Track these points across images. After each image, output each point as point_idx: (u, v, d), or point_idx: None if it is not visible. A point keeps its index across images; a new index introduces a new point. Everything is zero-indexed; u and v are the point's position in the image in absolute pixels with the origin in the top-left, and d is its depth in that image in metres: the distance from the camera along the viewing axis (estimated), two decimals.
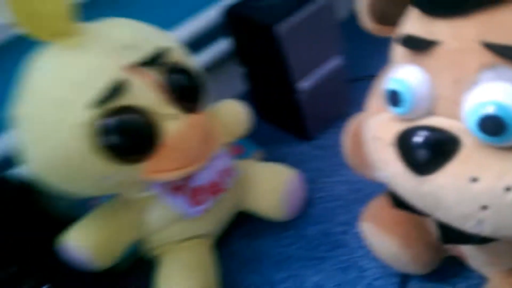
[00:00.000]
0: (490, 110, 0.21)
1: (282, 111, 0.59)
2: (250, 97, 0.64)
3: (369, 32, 0.32)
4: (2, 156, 0.49)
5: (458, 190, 0.23)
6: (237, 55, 0.60)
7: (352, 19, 0.41)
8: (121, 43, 0.33)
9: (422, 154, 0.24)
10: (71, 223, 0.39)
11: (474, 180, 0.22)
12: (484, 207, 0.22)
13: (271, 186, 0.46)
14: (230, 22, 0.57)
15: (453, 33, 0.23)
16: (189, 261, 0.42)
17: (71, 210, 0.48)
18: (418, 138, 0.24)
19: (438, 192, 0.23)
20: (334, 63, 0.56)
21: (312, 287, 0.41)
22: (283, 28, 0.48)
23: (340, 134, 0.38)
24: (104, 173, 0.33)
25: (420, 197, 0.25)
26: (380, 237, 0.36)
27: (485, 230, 0.23)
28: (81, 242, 0.38)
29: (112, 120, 0.31)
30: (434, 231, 0.34)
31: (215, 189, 0.43)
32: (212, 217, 0.45)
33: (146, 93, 0.33)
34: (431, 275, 0.38)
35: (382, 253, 0.37)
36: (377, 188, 0.36)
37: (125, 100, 0.32)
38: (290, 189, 0.46)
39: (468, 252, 0.32)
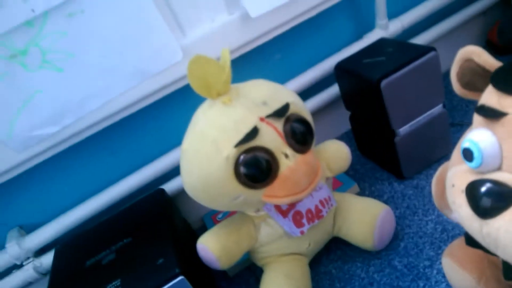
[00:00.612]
0: None
1: (381, 151, 0.66)
2: (353, 136, 0.72)
3: None
4: (164, 171, 0.67)
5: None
6: (343, 100, 0.70)
7: None
8: (258, 101, 0.46)
9: (485, 201, 0.30)
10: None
11: None
12: None
13: (365, 219, 0.54)
14: (339, 73, 0.67)
15: None
16: (288, 271, 0.51)
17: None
18: (483, 189, 0.30)
19: (496, 233, 0.29)
20: (436, 111, 0.61)
21: None
22: (386, 84, 0.55)
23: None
24: (237, 194, 0.46)
25: (482, 236, 0.31)
26: (457, 272, 0.41)
27: None
28: (210, 245, 0.50)
29: (248, 156, 0.43)
30: None
31: (314, 215, 0.52)
32: (310, 239, 0.54)
33: (271, 138, 0.45)
34: None
35: (458, 287, 0.41)
36: (462, 229, 0.41)
37: (257, 142, 0.44)
38: (381, 223, 0.53)
39: None
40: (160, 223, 0.58)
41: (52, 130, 0.57)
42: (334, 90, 0.75)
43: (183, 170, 0.48)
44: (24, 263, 0.65)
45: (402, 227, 0.56)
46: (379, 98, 0.57)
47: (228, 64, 0.45)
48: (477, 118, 0.34)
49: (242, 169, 0.44)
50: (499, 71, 0.33)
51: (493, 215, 0.29)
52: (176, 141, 0.69)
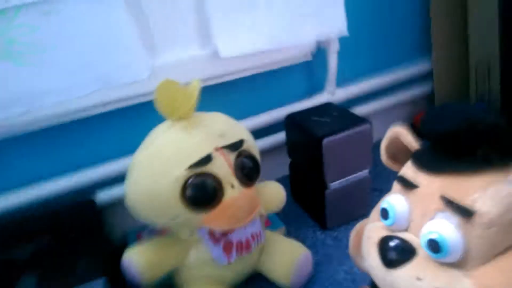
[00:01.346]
0: (433, 236, 0.33)
1: (311, 200, 0.73)
2: (289, 182, 0.78)
3: None
4: (97, 181, 0.67)
5: (408, 284, 0.35)
6: (287, 147, 0.76)
7: None
8: (216, 132, 0.50)
9: (391, 254, 0.36)
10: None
11: (419, 279, 0.34)
12: None
13: (286, 258, 0.58)
14: (288, 123, 0.74)
15: (427, 183, 0.37)
16: None
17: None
18: (392, 244, 0.37)
19: (396, 282, 0.35)
20: (362, 174, 0.70)
21: None
22: (327, 142, 0.63)
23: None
24: (178, 213, 0.48)
25: (385, 284, 0.37)
26: None
27: None
28: (135, 259, 0.51)
29: (197, 180, 0.47)
30: None
31: (244, 247, 0.55)
32: (235, 269, 0.57)
33: (222, 167, 0.48)
34: None
35: None
36: (368, 281, 0.47)
37: (208, 168, 0.47)
38: (300, 264, 0.58)
39: None
40: (86, 225, 0.58)
41: None
42: (280, 136, 0.82)
43: (130, 179, 0.50)
44: None
45: (317, 272, 0.62)
46: (319, 153, 0.64)
47: (196, 93, 0.49)
48: (396, 185, 0.41)
49: (188, 191, 0.47)
50: (417, 152, 0.41)
51: (396, 266, 0.36)
52: (117, 154, 0.70)
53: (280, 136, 0.82)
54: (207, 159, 0.48)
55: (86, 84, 0.59)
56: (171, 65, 0.65)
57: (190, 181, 0.47)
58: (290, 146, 0.75)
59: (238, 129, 0.54)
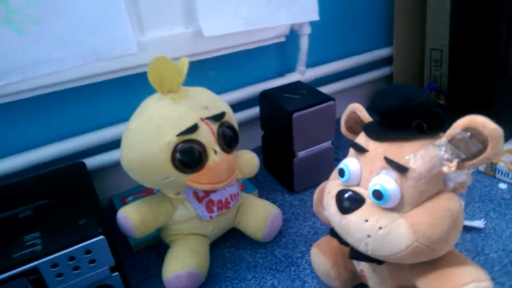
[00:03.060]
0: (377, 187, 0.43)
1: (281, 168, 0.82)
2: (262, 152, 0.87)
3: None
4: (86, 147, 0.72)
5: (357, 225, 0.44)
6: (260, 121, 0.85)
7: None
8: (201, 104, 0.57)
9: (345, 203, 0.46)
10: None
11: (366, 220, 0.44)
12: (369, 236, 0.44)
13: (259, 215, 0.67)
14: (262, 99, 0.82)
15: (374, 148, 0.46)
16: (193, 247, 0.62)
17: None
18: (346, 195, 0.46)
19: (348, 224, 0.45)
20: (326, 145, 0.80)
21: (268, 286, 0.60)
22: (297, 116, 0.72)
23: None
24: (168, 174, 0.55)
25: (340, 227, 0.46)
26: (319, 258, 0.57)
27: (369, 250, 0.44)
28: (131, 214, 0.58)
29: (185, 146, 0.54)
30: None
31: (223, 205, 0.64)
32: (215, 224, 0.65)
33: (207, 135, 0.56)
34: None
35: (318, 270, 0.57)
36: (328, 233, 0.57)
37: (195, 136, 0.55)
38: (272, 220, 0.67)
39: (367, 275, 0.53)
40: (80, 189, 0.63)
41: None
42: (254, 111, 0.90)
43: (124, 145, 0.56)
44: None
45: (286, 228, 0.72)
46: (289, 126, 0.73)
47: (185, 70, 0.55)
48: (351, 150, 0.50)
49: (178, 155, 0.54)
50: (368, 124, 0.50)
51: (349, 212, 0.45)
52: (105, 122, 0.76)
53: (254, 111, 0.90)
54: (194, 128, 0.55)
55: (78, 56, 0.63)
56: (157, 41, 0.70)
57: (179, 146, 0.54)
58: (263, 119, 0.84)
59: (220, 103, 0.61)
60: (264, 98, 0.81)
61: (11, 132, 0.68)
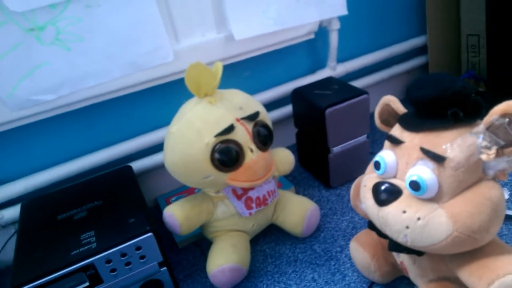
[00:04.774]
0: (414, 178, 0.43)
1: (316, 164, 0.83)
2: (297, 149, 0.88)
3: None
4: (131, 152, 0.77)
5: (395, 216, 0.45)
6: (294, 118, 0.86)
7: None
8: (236, 105, 0.59)
9: (382, 195, 0.46)
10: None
11: (404, 212, 0.44)
12: (407, 227, 0.44)
13: (297, 211, 0.69)
14: (294, 97, 0.83)
15: (410, 139, 0.47)
16: (234, 243, 0.64)
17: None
18: (383, 187, 0.47)
19: (386, 216, 0.46)
20: (361, 139, 0.79)
21: (309, 280, 0.62)
22: (330, 112, 0.72)
23: None
24: (209, 173, 0.58)
25: (378, 219, 0.47)
26: (358, 251, 0.57)
27: (408, 241, 0.45)
28: (176, 212, 0.62)
29: (223, 146, 0.56)
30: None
31: (262, 202, 0.66)
32: (255, 221, 0.67)
33: (243, 135, 0.58)
34: (389, 285, 0.58)
35: (358, 263, 0.58)
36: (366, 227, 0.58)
37: (232, 136, 0.57)
38: (310, 215, 0.68)
39: (407, 267, 0.53)
40: (129, 191, 0.67)
41: (48, 98, 0.64)
42: (286, 109, 0.92)
43: (167, 148, 0.60)
44: None
45: (324, 223, 0.73)
46: (322, 122, 0.73)
47: (219, 74, 0.58)
48: (386, 143, 0.51)
49: (216, 155, 0.57)
50: (402, 115, 0.50)
51: (386, 204, 0.46)
52: (147, 127, 0.80)
53: (287, 109, 0.92)
54: (230, 128, 0.57)
55: (120, 68, 0.68)
56: (191, 48, 0.73)
57: (217, 147, 0.57)
58: (296, 117, 0.85)
59: (253, 103, 0.63)
60: (296, 96, 0.82)
61: (62, 141, 0.74)
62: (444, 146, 0.43)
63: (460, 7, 1.03)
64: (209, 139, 0.56)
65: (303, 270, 0.64)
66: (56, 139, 0.73)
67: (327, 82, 0.84)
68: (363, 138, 0.79)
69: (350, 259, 0.64)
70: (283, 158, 0.72)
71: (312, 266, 0.64)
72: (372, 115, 0.63)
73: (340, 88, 0.79)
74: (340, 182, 0.82)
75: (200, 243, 0.74)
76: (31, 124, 0.69)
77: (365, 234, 0.59)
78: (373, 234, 0.57)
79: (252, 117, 0.60)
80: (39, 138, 0.72)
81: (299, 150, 0.89)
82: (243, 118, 0.59)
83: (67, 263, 0.53)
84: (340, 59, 0.96)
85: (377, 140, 0.94)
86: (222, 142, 0.57)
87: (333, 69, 0.94)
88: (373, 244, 0.57)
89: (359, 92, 0.76)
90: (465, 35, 1.05)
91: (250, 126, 0.60)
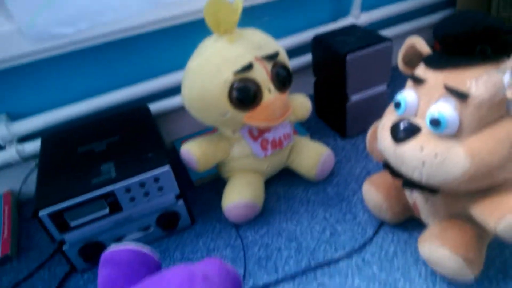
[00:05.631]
0: (435, 114, 0.43)
1: (333, 113, 0.83)
2: (314, 100, 0.88)
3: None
4: (150, 92, 0.78)
5: (413, 153, 0.45)
6: (313, 66, 0.84)
7: None
8: (256, 44, 0.58)
9: (400, 133, 0.46)
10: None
11: (421, 148, 0.44)
12: (424, 163, 0.44)
13: (312, 155, 0.69)
14: (315, 44, 0.81)
15: (433, 78, 0.46)
16: (249, 180, 0.65)
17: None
18: (401, 124, 0.47)
19: (403, 153, 0.45)
20: (381, 88, 0.78)
21: (321, 219, 0.63)
22: (350, 58, 0.71)
23: None
24: (226, 110, 0.58)
25: (395, 156, 0.47)
26: (371, 191, 0.58)
27: (423, 177, 0.45)
28: (193, 149, 0.63)
29: (241, 84, 0.56)
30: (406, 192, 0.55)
31: (277, 144, 0.66)
32: (269, 162, 0.68)
33: (261, 74, 0.58)
34: (398, 225, 0.59)
35: (370, 203, 0.59)
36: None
37: (250, 74, 0.57)
38: (324, 160, 0.69)
39: (420, 206, 0.53)
40: (146, 129, 0.68)
41: (67, 31, 0.64)
42: (304, 59, 0.90)
43: (185, 84, 0.60)
44: (7, 146, 0.72)
45: (338, 168, 0.73)
46: (342, 68, 0.72)
47: (239, 10, 0.56)
48: (409, 82, 0.50)
49: (234, 93, 0.57)
50: (427, 56, 0.49)
51: (404, 141, 0.46)
52: (165, 69, 0.80)
53: (306, 58, 0.90)
54: (249, 66, 0.57)
55: (141, 2, 0.67)
56: None
57: (235, 84, 0.56)
58: (316, 64, 0.83)
59: (273, 43, 0.62)
60: (317, 43, 0.80)
61: (81, 78, 0.74)
62: (468, 83, 0.42)
63: None
64: (228, 75, 0.56)
65: (315, 209, 0.65)
66: (75, 75, 0.74)
67: (350, 29, 0.82)
68: (383, 87, 0.78)
69: (362, 201, 0.65)
70: (301, 103, 0.72)
71: (324, 206, 0.65)
72: (393, 68, 0.62)
73: (362, 35, 0.77)
74: (357, 132, 0.81)
75: (215, 183, 0.75)
76: (51, 58, 0.69)
77: (379, 176, 0.59)
78: (387, 177, 0.57)
79: (272, 57, 0.59)
80: (59, 73, 0.73)
81: (316, 100, 0.89)
82: (262, 57, 0.58)
83: (88, 190, 0.55)
84: (365, 7, 0.92)
85: (397, 90, 0.92)
86: (241, 80, 0.57)
87: (357, 18, 0.91)
88: (387, 186, 0.58)
89: (382, 39, 0.74)
90: None
91: (269, 66, 0.59)
